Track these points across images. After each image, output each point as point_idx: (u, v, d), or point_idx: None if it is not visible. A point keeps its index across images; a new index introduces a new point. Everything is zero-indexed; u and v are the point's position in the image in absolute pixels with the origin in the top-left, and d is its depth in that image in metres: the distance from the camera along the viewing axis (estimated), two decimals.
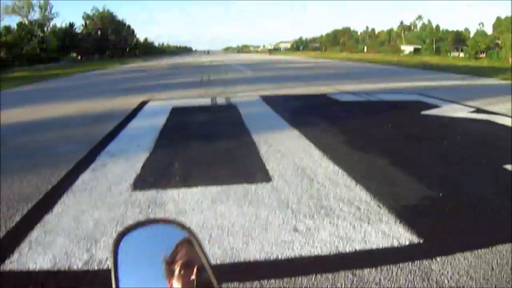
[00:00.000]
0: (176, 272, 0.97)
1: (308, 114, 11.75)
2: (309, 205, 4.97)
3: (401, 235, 4.12)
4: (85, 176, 6.31)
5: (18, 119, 12.00)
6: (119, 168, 6.70)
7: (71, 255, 3.84)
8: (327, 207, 4.90)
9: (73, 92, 20.43)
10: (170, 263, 0.98)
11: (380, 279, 3.34)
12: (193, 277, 0.96)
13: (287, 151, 7.50)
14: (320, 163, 6.69)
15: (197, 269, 0.97)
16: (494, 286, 3.28)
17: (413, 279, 3.34)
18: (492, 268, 3.50)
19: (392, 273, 3.42)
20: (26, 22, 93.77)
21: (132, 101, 14.83)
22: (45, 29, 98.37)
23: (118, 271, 0.94)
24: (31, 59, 75.15)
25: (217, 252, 3.84)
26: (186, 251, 0.98)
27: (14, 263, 3.77)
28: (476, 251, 3.76)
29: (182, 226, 0.99)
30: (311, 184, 5.69)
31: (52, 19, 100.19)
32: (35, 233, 4.37)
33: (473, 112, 11.49)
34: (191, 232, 0.98)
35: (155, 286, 0.97)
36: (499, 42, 71.59)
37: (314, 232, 4.21)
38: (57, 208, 5.07)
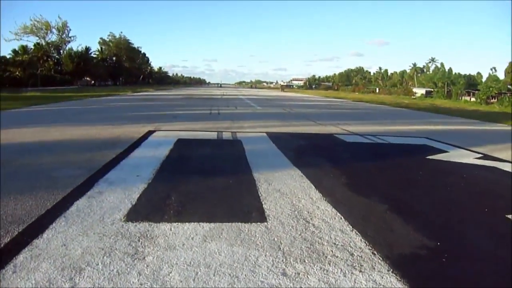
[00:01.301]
0: None
1: (312, 154, 11.67)
2: (302, 248, 4.89)
3: (392, 285, 4.03)
4: (80, 203, 6.26)
5: (23, 140, 11.99)
6: (115, 197, 6.64)
7: (53, 282, 3.78)
8: (320, 251, 4.81)
9: (83, 117, 20.50)
10: None
11: None
12: None
13: (287, 190, 7.43)
14: (318, 205, 6.60)
15: None
16: None
17: None
18: None
19: None
20: (43, 43, 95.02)
21: (139, 130, 14.86)
22: (61, 51, 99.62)
23: None
24: (45, 80, 76.11)
25: None
26: None
27: None
28: None
29: None
30: (306, 227, 5.61)
31: (69, 42, 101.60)
32: (21, 257, 4.33)
33: (480, 158, 11.41)
34: None
35: None
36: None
37: (303, 277, 4.12)
38: (47, 233, 5.02)
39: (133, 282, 3.90)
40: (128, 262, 4.33)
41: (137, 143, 12.12)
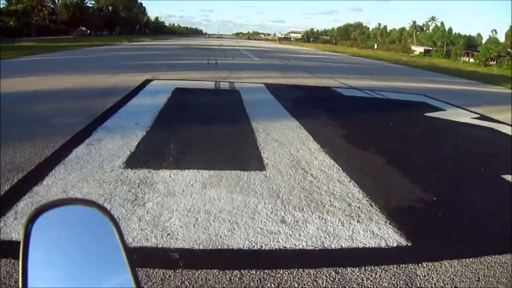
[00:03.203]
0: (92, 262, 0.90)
1: (310, 105, 11.68)
2: (300, 197, 4.93)
3: (389, 236, 4.06)
4: (79, 150, 6.27)
5: (20, 89, 11.90)
6: (114, 144, 6.65)
7: None
8: (318, 201, 4.85)
9: (79, 66, 20.31)
10: (86, 251, 0.91)
11: (363, 279, 3.29)
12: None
13: (285, 140, 7.45)
14: (316, 156, 6.63)
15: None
16: None
17: (397, 282, 3.29)
18: (478, 278, 3.45)
19: (375, 274, 3.37)
20: None
21: (136, 79, 14.77)
22: (56, 1, 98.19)
23: (29, 253, 0.87)
24: (40, 29, 75.23)
25: (201, 237, 3.80)
26: (104, 240, 0.90)
27: None
28: (464, 260, 3.70)
29: (104, 210, 0.90)
30: (305, 176, 5.64)
31: None
32: (22, 204, 4.34)
33: (477, 118, 11.40)
34: (113, 218, 0.90)
35: (72, 270, 0.90)
36: (511, 50, 71.22)
37: (301, 225, 4.16)
38: (47, 180, 5.03)
39: (133, 227, 3.91)
40: (128, 208, 4.35)
41: (134, 92, 12.08)
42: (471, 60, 79.87)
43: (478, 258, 3.76)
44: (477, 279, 3.43)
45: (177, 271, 3.24)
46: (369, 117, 10.70)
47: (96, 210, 0.90)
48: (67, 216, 0.91)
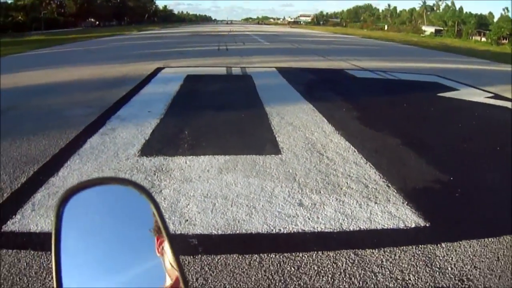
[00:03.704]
0: (130, 242, 0.88)
1: (323, 88, 11.62)
2: (317, 180, 4.91)
3: (407, 217, 4.04)
4: (93, 140, 6.28)
5: (30, 83, 11.94)
6: (128, 133, 6.66)
7: None
8: (335, 183, 4.83)
9: (89, 57, 20.36)
10: (121, 232, 0.89)
11: (382, 261, 3.27)
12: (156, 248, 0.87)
13: (299, 124, 7.43)
14: (331, 139, 6.60)
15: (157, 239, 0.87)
16: (498, 272, 3.22)
17: (416, 263, 3.27)
18: (498, 258, 3.43)
19: (394, 255, 3.35)
20: None
21: (146, 67, 14.80)
22: None
23: (61, 236, 0.84)
24: (49, 23, 75.38)
25: (219, 222, 3.80)
26: (140, 220, 0.87)
27: (16, 224, 3.75)
28: (483, 240, 3.67)
29: (141, 189, 0.86)
30: (321, 159, 5.63)
31: None
32: (39, 195, 4.35)
33: (491, 97, 11.27)
34: (150, 196, 0.86)
35: (103, 255, 0.88)
36: None
37: (319, 208, 4.15)
38: (63, 171, 5.05)
39: None
40: None
41: (146, 80, 12.09)
42: (483, 39, 78.97)
43: (497, 238, 3.72)
44: (496, 259, 3.41)
45: (197, 256, 3.24)
46: (383, 98, 10.63)
47: (132, 188, 0.86)
48: (100, 197, 0.88)
